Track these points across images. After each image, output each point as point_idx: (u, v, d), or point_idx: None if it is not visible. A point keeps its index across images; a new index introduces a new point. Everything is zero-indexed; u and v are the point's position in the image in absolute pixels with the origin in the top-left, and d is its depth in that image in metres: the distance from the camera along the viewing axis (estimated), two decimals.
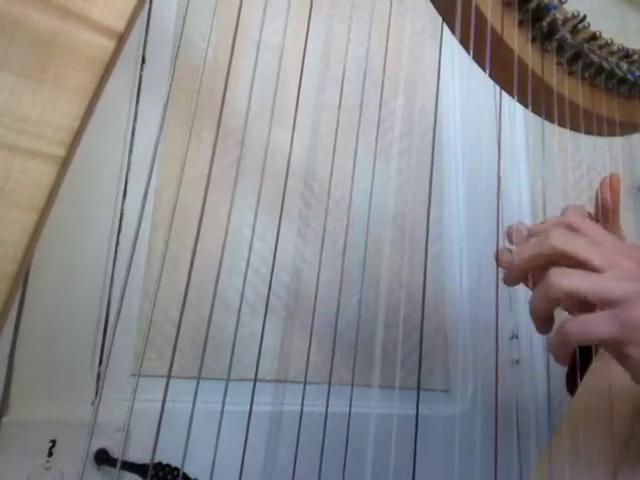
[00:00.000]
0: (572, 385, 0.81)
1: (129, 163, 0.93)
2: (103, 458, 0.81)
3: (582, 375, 0.77)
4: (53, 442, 0.79)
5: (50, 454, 0.79)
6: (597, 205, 0.81)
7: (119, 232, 0.91)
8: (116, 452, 0.82)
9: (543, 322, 0.57)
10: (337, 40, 1.07)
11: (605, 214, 0.81)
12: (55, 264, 0.85)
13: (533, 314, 0.57)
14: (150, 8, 0.99)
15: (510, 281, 0.61)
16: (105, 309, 0.88)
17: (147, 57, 0.98)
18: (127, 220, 0.92)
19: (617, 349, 0.52)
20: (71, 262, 0.87)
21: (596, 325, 0.51)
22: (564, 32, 0.73)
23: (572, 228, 0.59)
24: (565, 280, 0.53)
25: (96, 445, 0.81)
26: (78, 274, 0.87)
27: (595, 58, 0.75)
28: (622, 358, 0.53)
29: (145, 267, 0.92)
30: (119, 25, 0.51)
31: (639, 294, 0.51)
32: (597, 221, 0.81)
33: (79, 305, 0.86)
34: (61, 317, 0.84)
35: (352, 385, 0.69)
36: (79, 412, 0.82)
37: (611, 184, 0.81)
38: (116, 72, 0.53)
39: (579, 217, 0.60)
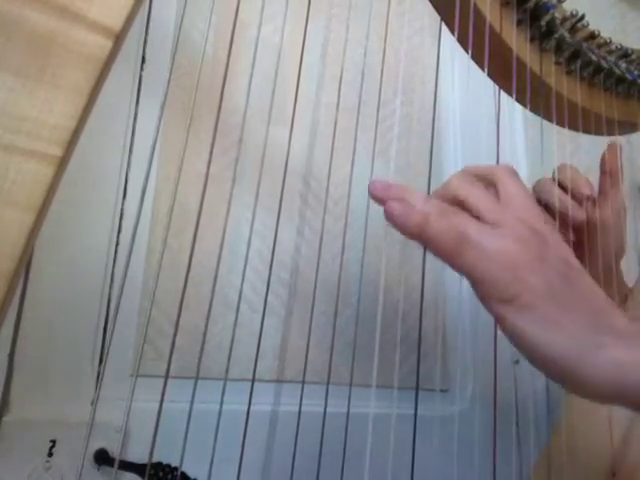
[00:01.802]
0: None
1: (129, 163, 0.93)
2: (103, 458, 0.81)
3: None
4: (53, 442, 0.79)
5: (50, 454, 0.79)
6: (604, 172, 0.82)
7: (119, 232, 0.91)
8: (116, 452, 0.82)
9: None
10: (336, 39, 1.07)
11: (613, 178, 0.81)
12: (55, 264, 0.85)
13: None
14: (150, 8, 0.99)
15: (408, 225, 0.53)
16: (105, 309, 0.88)
17: (147, 57, 0.98)
18: (127, 220, 0.92)
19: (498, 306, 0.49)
20: (71, 262, 0.87)
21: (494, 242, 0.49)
22: (563, 31, 0.73)
23: (486, 180, 0.57)
24: (457, 216, 0.51)
25: (96, 445, 0.81)
26: (78, 274, 0.87)
27: (594, 57, 0.75)
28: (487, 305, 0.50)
29: (145, 266, 0.92)
30: (117, 25, 0.51)
31: (515, 255, 0.48)
32: (603, 188, 0.82)
33: (79, 305, 0.86)
34: (61, 317, 0.84)
35: (350, 385, 0.70)
36: (79, 412, 0.82)
37: (612, 149, 0.82)
38: (116, 72, 0.53)
39: (507, 173, 0.57)
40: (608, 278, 0.81)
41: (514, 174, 0.57)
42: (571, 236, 0.81)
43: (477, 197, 0.53)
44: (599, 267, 0.81)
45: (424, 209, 0.51)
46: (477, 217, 0.52)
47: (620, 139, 0.83)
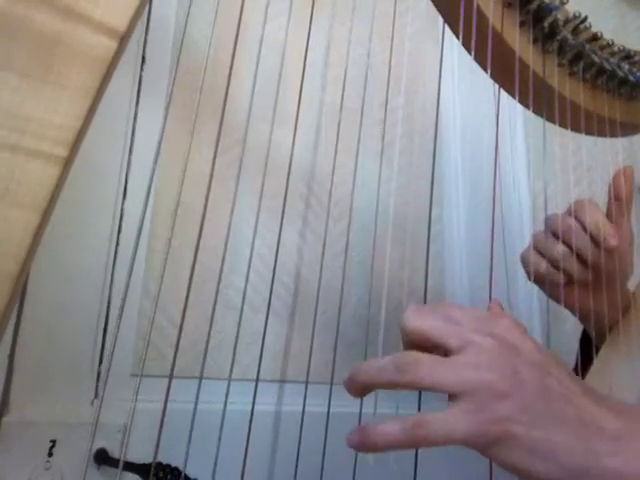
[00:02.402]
0: None
1: (129, 163, 0.93)
2: (103, 458, 0.81)
3: (583, 376, 0.78)
4: (53, 442, 0.79)
5: (50, 454, 0.79)
6: (610, 197, 0.82)
7: (119, 232, 0.91)
8: (116, 452, 0.82)
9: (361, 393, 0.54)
10: (338, 40, 1.07)
11: (618, 206, 0.81)
12: (55, 264, 0.85)
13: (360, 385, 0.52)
14: (150, 8, 0.99)
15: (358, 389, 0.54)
16: (105, 309, 0.88)
17: (147, 57, 0.98)
18: (127, 220, 0.91)
19: (485, 452, 0.47)
20: (71, 262, 0.87)
21: (454, 423, 0.46)
22: (565, 33, 0.73)
23: (430, 309, 0.53)
24: (419, 369, 0.48)
25: (96, 445, 0.81)
26: (78, 274, 0.87)
27: (596, 59, 0.75)
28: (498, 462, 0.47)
29: (145, 266, 0.92)
30: (121, 25, 0.51)
31: (491, 385, 0.46)
32: (610, 214, 0.81)
33: (79, 305, 0.86)
34: (61, 317, 0.84)
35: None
36: (79, 412, 0.82)
37: (625, 174, 0.81)
38: (116, 72, 0.53)
39: (443, 305, 0.54)
40: (613, 301, 0.81)
41: (441, 304, 0.54)
42: (589, 273, 0.81)
43: (435, 326, 0.50)
44: (603, 292, 0.80)
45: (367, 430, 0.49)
46: (440, 347, 0.49)
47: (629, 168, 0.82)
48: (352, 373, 0.52)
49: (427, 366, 0.48)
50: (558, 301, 0.82)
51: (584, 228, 0.78)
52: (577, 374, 0.78)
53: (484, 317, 0.52)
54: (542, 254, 0.81)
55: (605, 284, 0.79)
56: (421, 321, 0.50)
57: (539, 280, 0.81)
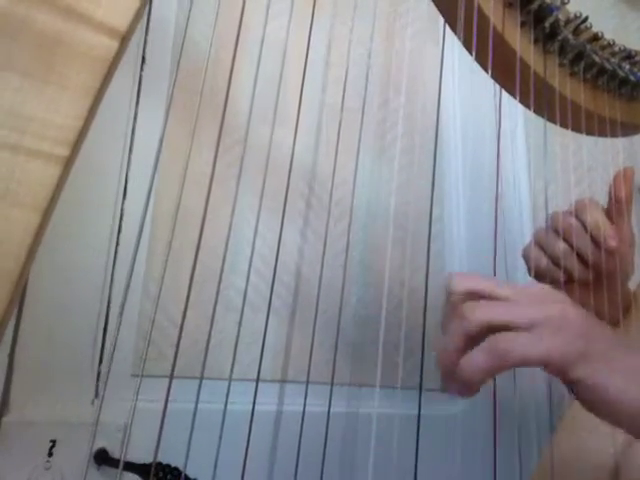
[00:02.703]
0: None
1: (129, 163, 0.93)
2: (103, 458, 0.81)
3: None
4: (53, 442, 0.79)
5: (50, 454, 0.79)
6: (610, 198, 0.82)
7: (119, 232, 0.91)
8: (116, 452, 0.82)
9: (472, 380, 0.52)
10: (339, 40, 1.07)
11: (618, 207, 0.81)
12: (55, 264, 0.85)
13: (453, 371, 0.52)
14: (150, 8, 0.98)
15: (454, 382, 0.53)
16: (105, 309, 0.88)
17: (147, 57, 0.98)
18: (127, 220, 0.91)
19: (559, 373, 0.49)
20: (71, 262, 0.87)
21: (539, 343, 0.48)
22: (566, 33, 0.73)
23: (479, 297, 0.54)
24: (478, 311, 0.50)
25: (96, 445, 0.81)
26: (78, 274, 0.87)
27: (597, 59, 0.75)
28: (572, 384, 0.49)
29: (145, 266, 0.92)
30: (122, 25, 0.51)
31: (564, 311, 0.49)
32: (610, 215, 0.81)
33: (79, 305, 0.86)
34: (61, 317, 0.84)
35: (350, 384, 0.70)
36: (79, 412, 0.82)
37: (625, 175, 0.81)
38: (116, 72, 0.53)
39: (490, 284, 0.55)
40: (614, 300, 0.82)
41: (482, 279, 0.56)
42: (589, 272, 0.81)
43: (499, 314, 0.51)
44: (604, 292, 0.81)
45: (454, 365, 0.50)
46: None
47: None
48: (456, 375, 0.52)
49: (512, 338, 0.49)
50: None
51: (585, 228, 0.78)
52: None
53: (538, 292, 0.54)
54: (544, 250, 0.81)
55: (606, 284, 0.79)
56: (484, 314, 0.51)
57: (540, 276, 0.82)
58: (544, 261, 0.80)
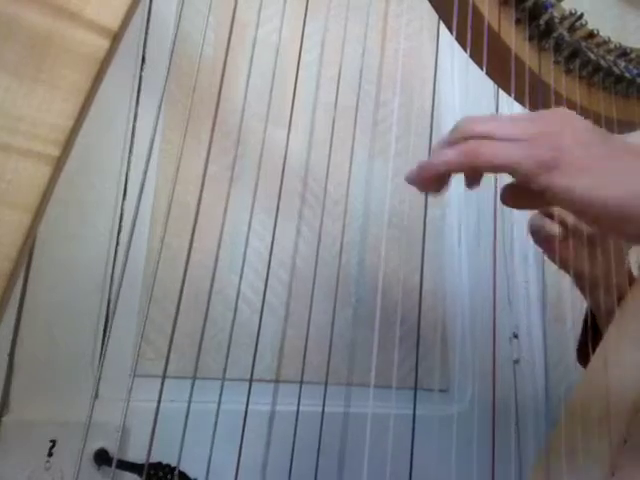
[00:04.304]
0: (584, 357, 0.82)
1: (129, 163, 0.93)
2: (103, 458, 0.81)
3: (594, 347, 0.78)
4: (53, 442, 0.79)
5: (50, 454, 0.79)
6: None
7: (119, 232, 0.91)
8: (115, 452, 0.82)
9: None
10: (334, 39, 1.07)
11: None
12: (55, 264, 0.85)
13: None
14: (150, 9, 0.99)
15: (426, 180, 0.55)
16: (105, 309, 0.88)
17: (147, 57, 0.98)
18: (127, 220, 0.92)
19: (534, 179, 0.50)
20: (71, 262, 0.87)
21: (510, 151, 0.50)
22: (561, 30, 0.73)
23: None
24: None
25: (96, 445, 0.81)
26: (78, 274, 0.87)
27: (592, 56, 0.75)
28: (543, 190, 0.50)
29: (145, 266, 0.92)
30: (114, 24, 0.51)
31: (546, 127, 0.50)
32: None
33: (79, 305, 0.87)
34: (61, 317, 0.85)
35: (345, 384, 0.69)
36: (79, 412, 0.81)
37: None
38: (116, 72, 0.53)
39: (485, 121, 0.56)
40: (607, 262, 0.82)
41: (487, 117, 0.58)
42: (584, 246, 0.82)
43: (493, 124, 0.53)
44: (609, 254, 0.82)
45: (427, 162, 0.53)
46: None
47: None
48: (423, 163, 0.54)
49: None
50: (553, 259, 0.84)
51: None
52: (588, 345, 0.79)
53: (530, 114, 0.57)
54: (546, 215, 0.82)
55: (599, 241, 0.80)
56: (480, 124, 0.53)
57: (537, 240, 0.84)
58: (547, 221, 0.81)
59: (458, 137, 0.53)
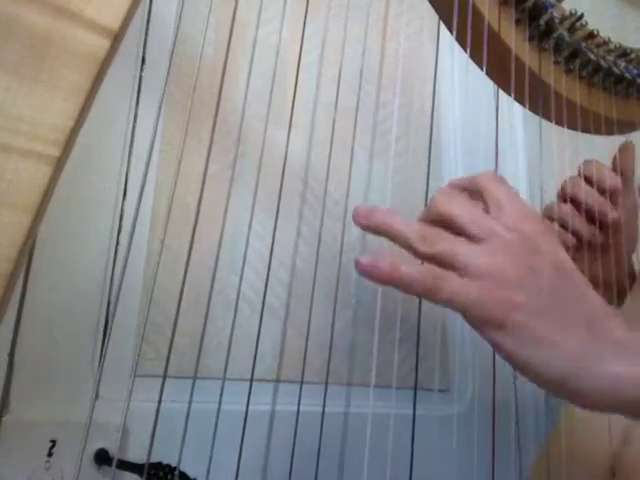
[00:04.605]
0: None
1: (129, 163, 0.93)
2: (103, 458, 0.81)
3: None
4: (53, 442, 0.79)
5: (50, 454, 0.79)
6: (614, 169, 0.83)
7: (119, 232, 0.91)
8: (115, 452, 0.82)
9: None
10: (334, 39, 1.07)
11: (625, 178, 0.82)
12: (55, 264, 0.85)
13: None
14: (150, 8, 0.99)
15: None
16: (105, 309, 0.88)
17: (147, 57, 0.98)
18: (127, 220, 0.92)
19: (480, 329, 0.47)
20: (71, 262, 0.87)
21: (469, 291, 0.46)
22: (561, 30, 0.73)
23: (471, 191, 0.55)
24: (441, 241, 0.48)
25: (96, 445, 0.81)
26: (78, 274, 0.87)
27: (592, 56, 0.75)
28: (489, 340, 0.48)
29: (145, 266, 0.92)
30: (114, 24, 0.51)
31: (505, 271, 0.47)
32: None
33: (79, 305, 0.86)
34: (61, 317, 0.84)
35: (345, 384, 0.69)
36: (79, 412, 0.82)
37: (628, 148, 0.82)
38: (116, 72, 0.53)
39: (491, 180, 0.55)
40: (618, 273, 0.82)
41: (499, 179, 0.56)
42: (598, 234, 0.82)
43: (460, 211, 0.50)
44: (611, 263, 0.82)
45: (392, 262, 0.48)
46: (462, 233, 0.50)
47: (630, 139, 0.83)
48: (370, 209, 0.51)
49: (448, 241, 0.48)
50: None
51: (590, 183, 0.80)
52: None
53: (519, 211, 0.52)
54: (549, 219, 0.82)
55: (613, 249, 0.81)
56: (449, 205, 0.51)
57: None
58: (554, 227, 0.81)
59: (431, 217, 0.51)
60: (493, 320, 0.46)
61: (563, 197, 0.83)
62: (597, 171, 0.80)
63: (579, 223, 0.81)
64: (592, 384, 0.45)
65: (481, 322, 0.46)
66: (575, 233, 0.81)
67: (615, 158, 0.83)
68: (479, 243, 0.48)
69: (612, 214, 0.80)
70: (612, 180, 0.80)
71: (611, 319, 0.48)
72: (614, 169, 0.83)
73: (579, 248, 0.82)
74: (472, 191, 0.55)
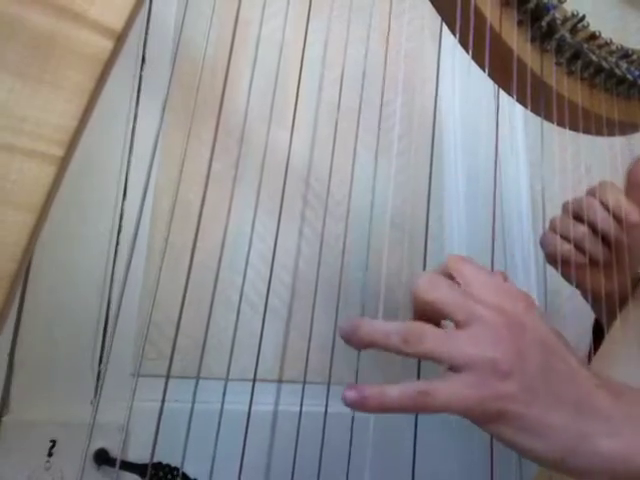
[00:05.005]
0: None
1: (129, 163, 0.93)
2: (103, 458, 0.81)
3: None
4: (53, 442, 0.80)
5: (50, 454, 0.79)
6: (629, 183, 0.82)
7: (119, 232, 0.91)
8: (116, 452, 0.82)
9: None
10: (336, 39, 1.07)
11: (636, 192, 0.82)
12: (55, 264, 0.85)
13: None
14: (150, 8, 0.99)
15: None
16: (105, 309, 0.88)
17: (147, 57, 0.98)
18: (127, 220, 0.92)
19: (481, 426, 0.47)
20: (71, 262, 0.87)
21: (456, 393, 0.46)
22: (563, 32, 0.73)
23: (448, 274, 0.55)
24: (424, 341, 0.48)
25: (96, 445, 0.81)
26: (78, 274, 0.87)
27: (594, 58, 0.75)
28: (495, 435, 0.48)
29: (145, 266, 0.92)
30: (118, 25, 0.51)
31: (494, 363, 0.46)
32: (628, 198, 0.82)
33: (79, 305, 0.87)
34: (61, 317, 0.85)
35: (347, 384, 0.69)
36: (79, 412, 0.82)
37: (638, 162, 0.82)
38: (116, 72, 0.53)
39: (460, 262, 0.57)
40: (625, 281, 0.82)
41: (462, 259, 0.57)
42: (610, 255, 0.82)
43: (443, 296, 0.51)
44: (619, 272, 0.82)
45: (378, 389, 0.48)
46: (449, 319, 0.50)
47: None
48: (355, 326, 0.51)
49: (431, 339, 0.48)
50: (570, 281, 0.84)
51: (606, 208, 0.79)
52: (590, 357, 0.79)
53: (497, 287, 0.52)
54: (563, 236, 0.82)
55: (626, 265, 0.81)
56: (431, 292, 0.51)
57: (553, 261, 0.84)
58: (566, 247, 0.81)
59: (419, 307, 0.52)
60: (490, 416, 0.46)
61: (575, 215, 0.82)
62: (614, 199, 0.80)
63: (594, 246, 0.81)
64: (586, 463, 0.46)
65: (480, 420, 0.47)
66: (589, 253, 0.81)
67: (630, 172, 0.82)
68: (464, 328, 0.49)
69: (626, 240, 0.81)
70: (633, 216, 0.80)
71: (598, 392, 0.48)
72: (628, 182, 0.83)
73: (582, 262, 0.82)
74: (446, 274, 0.55)
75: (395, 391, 0.47)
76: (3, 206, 0.45)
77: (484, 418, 0.46)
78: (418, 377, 0.69)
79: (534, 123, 0.79)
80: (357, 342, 0.51)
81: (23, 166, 0.46)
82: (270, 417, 0.92)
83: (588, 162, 0.93)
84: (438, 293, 0.51)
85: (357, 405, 0.48)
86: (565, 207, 0.84)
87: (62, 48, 0.49)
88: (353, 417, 0.65)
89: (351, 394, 0.48)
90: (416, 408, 0.48)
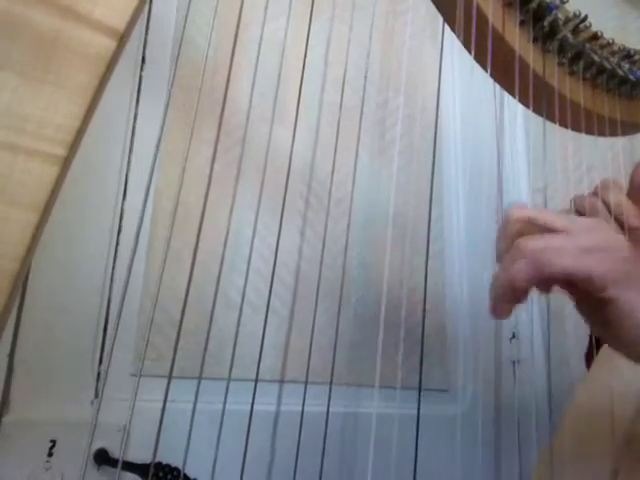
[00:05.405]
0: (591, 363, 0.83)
1: (129, 163, 0.93)
2: (103, 458, 0.81)
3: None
4: (53, 442, 0.79)
5: (50, 454, 0.79)
6: (631, 184, 0.82)
7: (119, 232, 0.91)
8: (116, 452, 0.82)
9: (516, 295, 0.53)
10: (338, 40, 1.07)
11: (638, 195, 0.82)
12: (55, 264, 0.85)
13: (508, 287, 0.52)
14: (150, 8, 0.99)
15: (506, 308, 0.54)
16: (105, 309, 0.88)
17: (147, 57, 0.98)
18: (127, 220, 0.91)
19: (598, 290, 0.50)
20: (71, 262, 0.87)
21: (583, 259, 0.50)
22: (565, 32, 0.73)
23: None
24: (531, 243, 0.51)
25: (96, 445, 0.81)
26: (78, 274, 0.87)
27: (596, 58, 0.75)
28: (604, 304, 0.51)
29: (145, 266, 0.92)
30: (120, 25, 0.51)
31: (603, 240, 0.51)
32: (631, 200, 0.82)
33: (79, 305, 0.86)
34: (61, 317, 0.84)
35: (349, 384, 0.69)
36: (79, 412, 0.82)
37: None
38: (116, 72, 0.53)
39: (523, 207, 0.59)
40: None
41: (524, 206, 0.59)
42: None
43: (538, 213, 0.54)
44: None
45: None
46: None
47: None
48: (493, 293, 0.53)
49: (542, 242, 0.51)
50: None
51: (608, 209, 0.80)
52: (589, 361, 0.80)
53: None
54: None
55: None
56: (526, 211, 0.55)
57: None
58: None
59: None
60: (618, 273, 0.50)
61: (577, 211, 0.83)
62: (615, 201, 0.80)
63: None
64: None
65: (605, 280, 0.49)
66: None
67: (633, 174, 0.83)
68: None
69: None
70: (632, 221, 0.80)
71: None
72: (631, 185, 0.83)
73: None
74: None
75: (519, 266, 0.50)
76: (6, 205, 0.45)
77: (606, 279, 0.49)
78: (419, 377, 0.69)
79: (535, 123, 0.79)
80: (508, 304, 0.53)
81: (26, 166, 0.46)
82: (272, 417, 0.92)
83: (589, 162, 0.93)
84: (531, 212, 0.55)
85: (505, 298, 0.52)
86: (573, 202, 0.84)
87: (65, 48, 0.49)
88: (355, 417, 0.65)
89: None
90: (541, 274, 0.50)
